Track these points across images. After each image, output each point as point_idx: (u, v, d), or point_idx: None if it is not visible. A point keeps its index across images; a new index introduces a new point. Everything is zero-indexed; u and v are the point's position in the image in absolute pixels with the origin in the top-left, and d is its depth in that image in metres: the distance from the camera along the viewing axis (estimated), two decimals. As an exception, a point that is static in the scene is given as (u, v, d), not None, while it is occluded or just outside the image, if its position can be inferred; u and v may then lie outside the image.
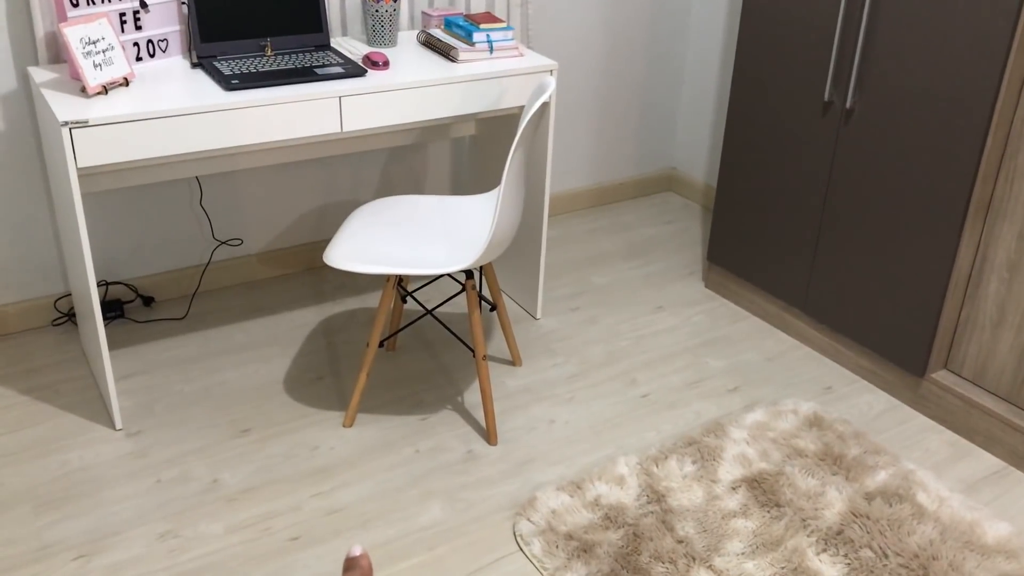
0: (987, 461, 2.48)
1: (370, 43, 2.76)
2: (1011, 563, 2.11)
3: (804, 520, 2.21)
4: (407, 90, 2.49)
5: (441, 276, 3.01)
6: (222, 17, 2.52)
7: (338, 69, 2.48)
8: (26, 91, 2.60)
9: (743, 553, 2.11)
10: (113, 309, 2.91)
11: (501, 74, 2.61)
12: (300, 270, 3.27)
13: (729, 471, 2.36)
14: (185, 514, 2.19)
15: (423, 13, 2.88)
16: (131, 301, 2.99)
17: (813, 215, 2.80)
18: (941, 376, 2.60)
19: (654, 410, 2.63)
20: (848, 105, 2.60)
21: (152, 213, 2.92)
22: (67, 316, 2.89)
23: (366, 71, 2.50)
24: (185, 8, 2.55)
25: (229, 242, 3.10)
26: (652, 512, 2.22)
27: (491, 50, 2.67)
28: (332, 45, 2.72)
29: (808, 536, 2.16)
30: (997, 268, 2.43)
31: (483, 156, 3.12)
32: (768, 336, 3.01)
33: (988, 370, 2.51)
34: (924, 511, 2.24)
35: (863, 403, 2.70)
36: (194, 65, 2.51)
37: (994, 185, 2.39)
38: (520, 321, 3.03)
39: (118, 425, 2.44)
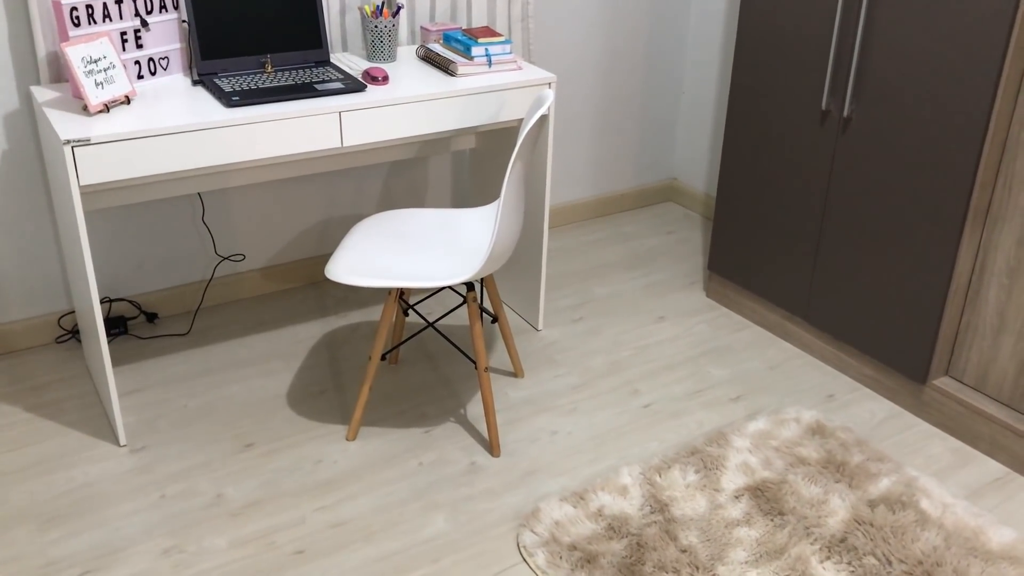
0: (990, 467, 2.48)
1: (370, 58, 2.78)
2: (1016, 569, 2.10)
3: (807, 528, 2.21)
4: (407, 104, 2.50)
5: (442, 289, 3.03)
6: (222, 34, 2.54)
7: (338, 84, 2.50)
8: (28, 110, 2.62)
9: (747, 562, 2.11)
10: (117, 326, 2.92)
11: (500, 87, 2.63)
12: (302, 285, 3.28)
13: (732, 480, 2.36)
14: (189, 529, 2.19)
15: (422, 28, 2.90)
16: (134, 317, 3.00)
17: (813, 224, 2.81)
18: (943, 383, 2.61)
19: (656, 420, 2.63)
20: (846, 114, 2.61)
21: (154, 230, 2.94)
22: (71, 333, 2.90)
23: (366, 86, 2.52)
24: (186, 26, 2.57)
25: (231, 258, 3.11)
26: (655, 522, 2.22)
27: (489, 64, 2.69)
28: (332, 61, 2.74)
29: (812, 544, 2.17)
30: (997, 274, 2.43)
31: (483, 169, 3.13)
32: (770, 345, 3.01)
33: (990, 376, 2.51)
34: (928, 518, 2.24)
35: (865, 411, 2.70)
36: (195, 82, 2.53)
37: (992, 191, 2.40)
38: (522, 332, 3.04)
39: (122, 441, 2.45)
